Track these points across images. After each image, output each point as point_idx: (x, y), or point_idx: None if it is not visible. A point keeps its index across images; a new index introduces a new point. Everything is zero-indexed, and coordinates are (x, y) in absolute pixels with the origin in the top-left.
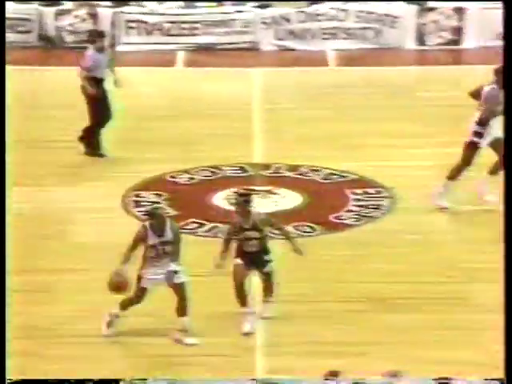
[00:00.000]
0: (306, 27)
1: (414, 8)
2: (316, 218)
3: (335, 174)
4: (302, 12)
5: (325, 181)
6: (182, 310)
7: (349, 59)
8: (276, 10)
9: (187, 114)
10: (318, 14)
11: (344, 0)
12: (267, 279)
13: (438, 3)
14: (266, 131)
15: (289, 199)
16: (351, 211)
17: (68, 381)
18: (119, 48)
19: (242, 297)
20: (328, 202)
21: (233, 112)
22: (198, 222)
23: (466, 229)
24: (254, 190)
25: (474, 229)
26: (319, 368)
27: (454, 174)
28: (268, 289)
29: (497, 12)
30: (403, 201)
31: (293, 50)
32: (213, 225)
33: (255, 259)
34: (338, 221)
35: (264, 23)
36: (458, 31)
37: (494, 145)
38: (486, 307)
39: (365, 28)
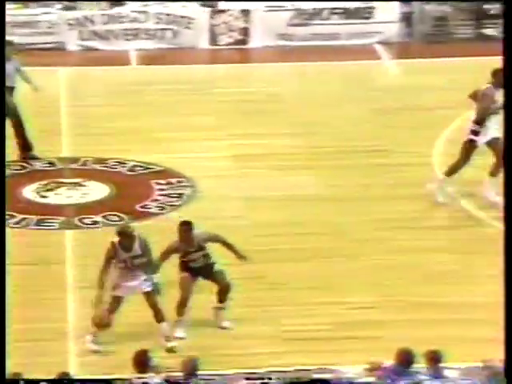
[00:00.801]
0: (109, 28)
1: (207, 10)
2: (123, 208)
3: (140, 166)
4: (105, 14)
5: (131, 173)
6: (156, 317)
7: (150, 58)
8: (80, 12)
9: None
10: (120, 16)
11: (143, 0)
12: (218, 278)
13: (228, 5)
14: (74, 127)
15: (97, 191)
16: (156, 200)
17: (68, 381)
18: None
19: (182, 307)
20: (134, 192)
21: (41, 109)
22: (8, 214)
23: (260, 214)
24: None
25: (266, 214)
26: (129, 349)
27: (452, 171)
28: (223, 291)
29: (279, 14)
30: (203, 189)
31: (97, 49)
32: (22, 216)
33: (200, 269)
34: (144, 210)
35: (69, 24)
36: (245, 32)
37: (492, 144)
38: (281, 285)
39: (163, 29)
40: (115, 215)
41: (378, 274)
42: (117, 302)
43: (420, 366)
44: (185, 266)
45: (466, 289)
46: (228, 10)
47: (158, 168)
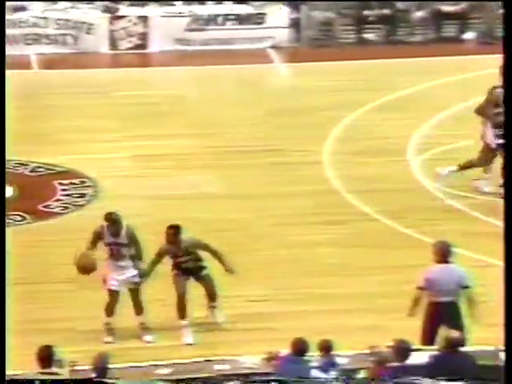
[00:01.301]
0: (9, 33)
1: (106, 16)
2: (26, 208)
3: (42, 167)
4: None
5: (33, 174)
6: (136, 309)
7: (51, 62)
8: None
9: None
10: (21, 21)
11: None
12: (206, 281)
13: (127, 11)
14: None
15: None
16: (59, 200)
17: (68, 381)
18: None
19: (183, 308)
20: (37, 192)
21: None
22: None
23: (162, 212)
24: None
25: (168, 211)
26: (32, 345)
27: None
28: (210, 293)
29: (176, 20)
30: (105, 189)
31: None
32: None
33: (191, 270)
34: (47, 209)
35: None
36: (144, 37)
37: None
38: None
39: (64, 34)
40: (18, 215)
41: (273, 268)
42: (113, 295)
43: (313, 354)
44: (176, 267)
45: (353, 280)
46: (127, 15)
47: (61, 169)
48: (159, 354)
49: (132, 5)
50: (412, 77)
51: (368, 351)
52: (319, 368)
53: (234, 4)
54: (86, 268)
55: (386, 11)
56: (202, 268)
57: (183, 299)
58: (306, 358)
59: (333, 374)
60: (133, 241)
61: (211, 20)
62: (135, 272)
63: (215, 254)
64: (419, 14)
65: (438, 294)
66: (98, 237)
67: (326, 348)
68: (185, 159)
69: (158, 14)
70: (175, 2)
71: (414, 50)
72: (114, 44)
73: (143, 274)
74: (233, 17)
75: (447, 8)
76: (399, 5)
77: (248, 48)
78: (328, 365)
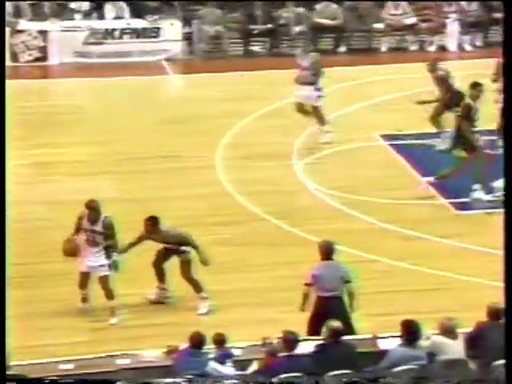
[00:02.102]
0: None
1: (7, 30)
2: None
3: None
4: None
5: None
6: (107, 295)
7: None
8: None
9: None
10: None
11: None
12: (182, 265)
13: (26, 26)
14: None
15: None
16: None
17: (69, 381)
18: None
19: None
20: None
21: None
22: None
23: (62, 216)
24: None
25: (69, 216)
26: None
27: None
28: (191, 285)
29: (74, 33)
30: (7, 195)
31: None
32: None
33: (174, 251)
34: None
35: None
36: (43, 50)
37: None
38: None
39: None
40: None
41: (171, 267)
42: (83, 277)
43: (210, 347)
44: (162, 249)
45: (246, 276)
46: (26, 30)
47: None
48: (59, 350)
49: (32, 19)
50: (294, 86)
51: (260, 343)
52: (216, 360)
53: (131, 19)
54: (68, 251)
55: (270, 25)
56: (183, 252)
57: (155, 267)
58: (203, 350)
59: (229, 364)
60: (109, 231)
61: (109, 34)
62: (105, 262)
63: (193, 245)
64: (299, 28)
65: (323, 289)
66: (79, 222)
67: (220, 341)
68: (83, 166)
69: (57, 29)
70: (75, 16)
71: (295, 62)
72: (14, 57)
73: (115, 266)
74: (129, 31)
75: (324, 22)
76: (282, 20)
77: (144, 60)
78: (224, 357)
